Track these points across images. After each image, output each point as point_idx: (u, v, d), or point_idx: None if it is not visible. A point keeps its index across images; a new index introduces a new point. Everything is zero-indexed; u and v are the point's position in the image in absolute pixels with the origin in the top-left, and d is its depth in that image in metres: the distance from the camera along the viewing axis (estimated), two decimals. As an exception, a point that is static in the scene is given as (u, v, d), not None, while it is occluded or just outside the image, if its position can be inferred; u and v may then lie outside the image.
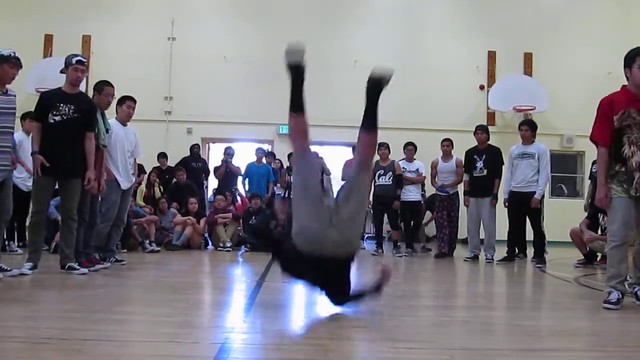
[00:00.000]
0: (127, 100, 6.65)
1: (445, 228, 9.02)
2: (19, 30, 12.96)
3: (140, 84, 11.78)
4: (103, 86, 6.20)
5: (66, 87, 5.56)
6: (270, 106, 13.46)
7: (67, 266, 5.46)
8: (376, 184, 9.38)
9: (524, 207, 7.99)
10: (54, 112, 5.39)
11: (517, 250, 8.41)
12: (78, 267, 5.48)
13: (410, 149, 9.65)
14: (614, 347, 3.14)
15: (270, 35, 13.92)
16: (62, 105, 5.42)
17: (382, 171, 9.29)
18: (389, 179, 9.25)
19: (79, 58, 5.59)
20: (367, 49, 14.07)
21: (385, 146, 9.50)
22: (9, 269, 5.05)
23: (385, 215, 9.52)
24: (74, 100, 5.52)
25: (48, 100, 5.48)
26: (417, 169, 9.44)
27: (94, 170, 5.68)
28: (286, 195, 10.60)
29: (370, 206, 9.99)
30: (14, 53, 5.03)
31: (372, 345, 3.01)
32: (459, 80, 14.05)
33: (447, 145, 9.09)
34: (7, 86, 5.06)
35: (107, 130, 6.16)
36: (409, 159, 9.56)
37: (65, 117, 5.43)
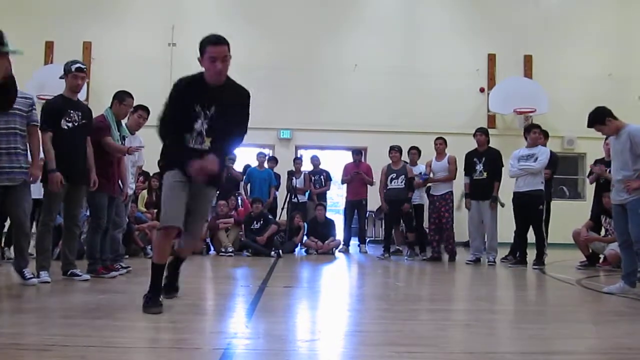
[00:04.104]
0: (139, 110, 6.62)
1: (437, 231, 8.85)
2: (20, 37, 12.90)
3: (141, 90, 11.66)
4: (125, 97, 6.12)
5: (68, 94, 5.50)
6: (271, 111, 13.54)
7: (69, 272, 5.46)
8: (388, 187, 9.30)
9: (526, 208, 7.93)
10: (67, 119, 5.36)
11: (517, 253, 8.36)
12: (80, 274, 5.48)
13: (414, 152, 9.65)
14: (617, 349, 3.13)
15: (271, 41, 14.00)
16: (72, 111, 5.41)
17: (394, 174, 9.26)
18: (401, 182, 9.21)
19: (78, 65, 5.51)
20: (367, 53, 14.13)
21: (396, 149, 9.47)
22: (28, 276, 5.03)
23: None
24: (79, 107, 5.54)
25: (58, 107, 5.40)
26: (420, 173, 9.41)
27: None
28: (293, 200, 10.59)
29: (386, 210, 9.75)
30: None
31: (375, 349, 3.01)
32: (459, 83, 14.08)
33: (440, 143, 9.04)
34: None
35: (123, 138, 6.16)
36: (413, 162, 9.55)
37: (76, 124, 5.42)
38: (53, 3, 14.08)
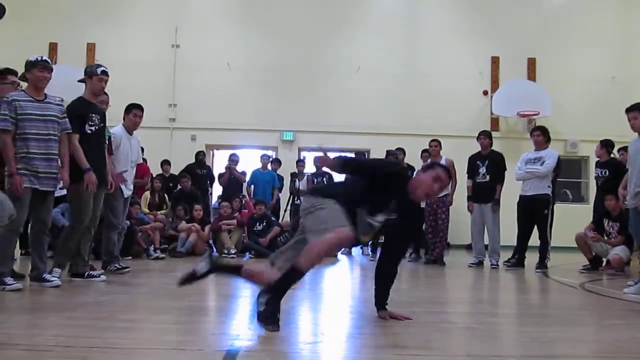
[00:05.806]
0: (134, 109, 6.64)
1: (434, 233, 8.74)
2: (24, 38, 13.05)
3: (145, 91, 11.84)
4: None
5: (89, 97, 5.52)
6: (274, 113, 13.58)
7: (86, 274, 5.48)
8: None
9: (532, 212, 7.93)
10: (90, 123, 5.39)
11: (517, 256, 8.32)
12: (82, 275, 5.50)
13: (426, 156, 9.61)
14: (619, 353, 3.13)
15: (274, 43, 14.01)
16: (93, 115, 5.45)
17: None
18: None
19: (103, 68, 5.55)
20: (370, 56, 14.14)
21: (392, 155, 9.50)
22: (51, 279, 5.00)
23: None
24: (97, 110, 5.60)
25: (83, 110, 5.41)
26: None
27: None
28: (296, 202, 10.56)
29: None
30: (42, 57, 5.04)
31: (377, 351, 3.01)
32: (463, 86, 14.07)
33: (435, 145, 8.91)
34: (52, 94, 5.10)
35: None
36: None
37: (96, 128, 5.47)
38: (57, 4, 14.12)
